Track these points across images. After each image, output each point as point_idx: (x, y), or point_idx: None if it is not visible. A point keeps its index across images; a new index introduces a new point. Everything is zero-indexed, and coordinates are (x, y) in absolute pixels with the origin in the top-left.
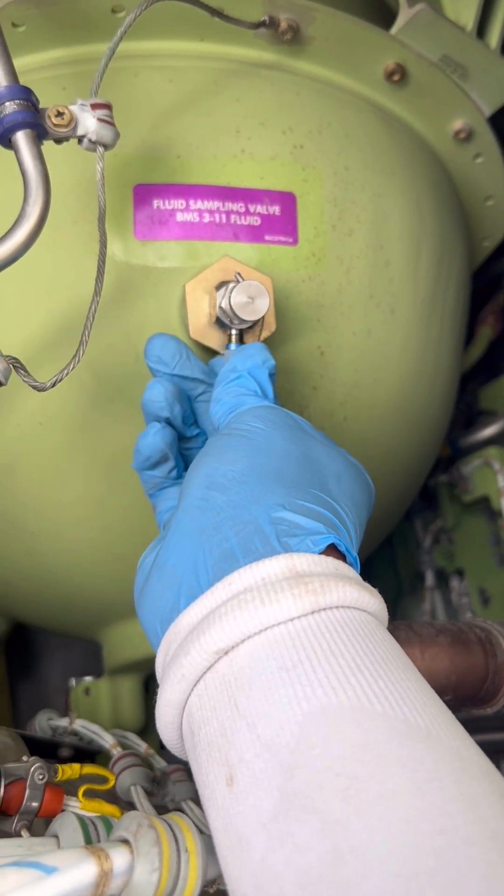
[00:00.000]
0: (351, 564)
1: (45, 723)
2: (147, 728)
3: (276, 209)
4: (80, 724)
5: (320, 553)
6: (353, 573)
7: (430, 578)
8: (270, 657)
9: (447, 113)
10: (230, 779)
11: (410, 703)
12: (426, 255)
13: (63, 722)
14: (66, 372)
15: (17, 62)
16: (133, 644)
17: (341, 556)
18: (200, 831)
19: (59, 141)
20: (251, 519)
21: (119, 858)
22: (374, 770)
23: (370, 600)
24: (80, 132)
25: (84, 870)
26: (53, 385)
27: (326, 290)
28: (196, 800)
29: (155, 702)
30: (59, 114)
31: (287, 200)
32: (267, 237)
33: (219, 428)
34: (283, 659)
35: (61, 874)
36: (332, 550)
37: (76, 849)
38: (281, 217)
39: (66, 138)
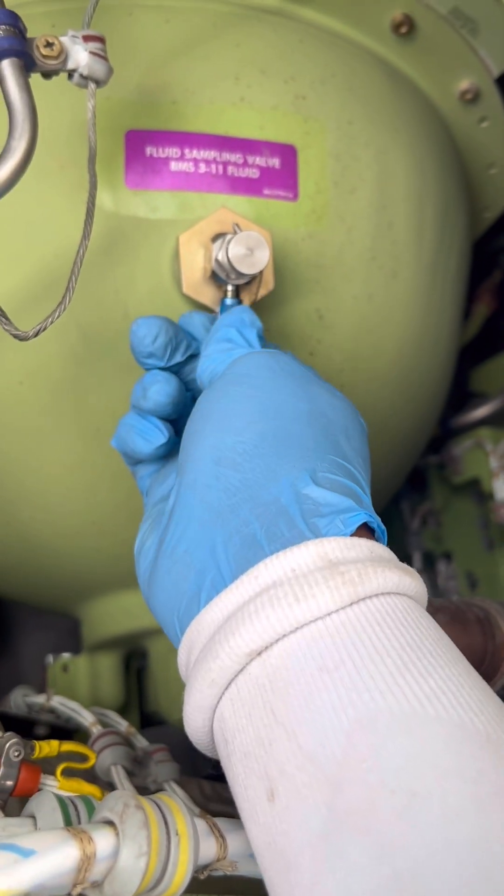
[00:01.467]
0: (379, 539)
1: (20, 699)
2: (127, 706)
3: (275, 162)
4: (57, 701)
5: (351, 534)
6: (389, 553)
7: (417, 560)
8: (309, 657)
9: (454, 71)
10: (271, 793)
11: (465, 702)
12: (430, 218)
13: (39, 699)
14: (50, 321)
15: None
16: (114, 619)
17: (370, 532)
18: (191, 813)
19: (47, 75)
20: (272, 499)
21: (103, 841)
22: (433, 785)
23: (411, 583)
24: (70, 66)
25: (64, 853)
26: (36, 334)
27: (327, 250)
28: (178, 781)
29: (141, 678)
30: (49, 44)
31: (287, 153)
32: (266, 191)
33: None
34: (324, 659)
35: (39, 857)
36: (362, 527)
37: (56, 830)
38: (281, 170)
39: (56, 72)
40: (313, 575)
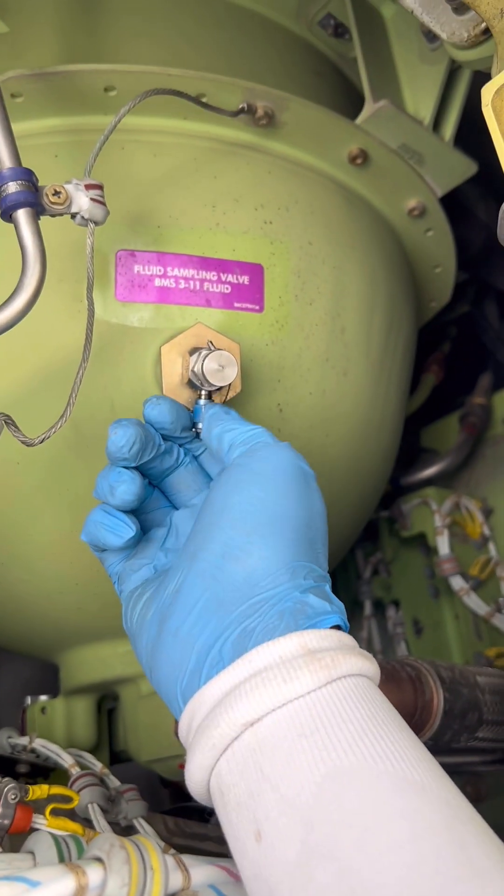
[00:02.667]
0: (345, 631)
1: (4, 740)
2: (98, 746)
3: (245, 279)
4: (39, 744)
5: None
6: (353, 641)
7: (368, 608)
8: (291, 726)
9: (403, 192)
10: (258, 834)
11: (407, 760)
12: (378, 321)
13: (22, 741)
14: (53, 430)
15: (15, 127)
16: (89, 667)
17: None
18: (162, 851)
19: (54, 216)
20: (269, 598)
21: (94, 875)
22: (381, 821)
23: (370, 667)
24: (73, 210)
25: (64, 884)
26: (41, 441)
27: (287, 354)
28: (146, 817)
29: (111, 718)
30: (56, 192)
31: (255, 271)
32: (236, 304)
33: (229, 457)
34: (302, 727)
35: (44, 887)
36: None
37: (56, 865)
38: (249, 286)
39: (61, 214)
40: (296, 661)
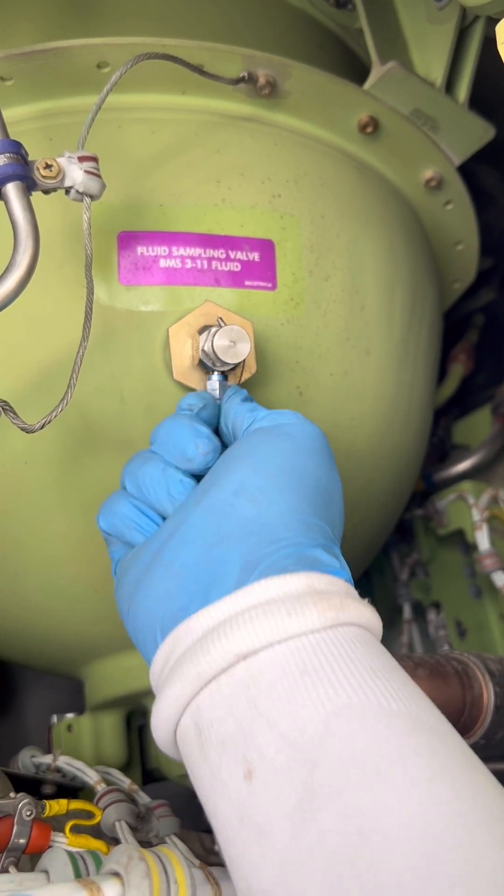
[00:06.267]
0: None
1: (27, 760)
2: (130, 763)
3: (255, 256)
4: (63, 761)
5: None
6: (359, 597)
7: (407, 611)
8: (293, 663)
9: (418, 163)
10: (249, 774)
11: (419, 705)
12: (400, 298)
13: (46, 759)
14: (54, 414)
15: (6, 113)
16: (115, 680)
17: None
18: (189, 863)
19: (47, 192)
20: (279, 539)
21: (110, 891)
22: (396, 760)
23: (377, 623)
24: (67, 183)
25: None
26: (42, 427)
27: (304, 334)
28: (179, 834)
29: (142, 736)
30: (48, 166)
31: (266, 247)
32: (247, 282)
33: (244, 426)
34: (305, 665)
35: None
36: None
37: (68, 882)
38: (260, 263)
39: (54, 189)
40: (304, 598)
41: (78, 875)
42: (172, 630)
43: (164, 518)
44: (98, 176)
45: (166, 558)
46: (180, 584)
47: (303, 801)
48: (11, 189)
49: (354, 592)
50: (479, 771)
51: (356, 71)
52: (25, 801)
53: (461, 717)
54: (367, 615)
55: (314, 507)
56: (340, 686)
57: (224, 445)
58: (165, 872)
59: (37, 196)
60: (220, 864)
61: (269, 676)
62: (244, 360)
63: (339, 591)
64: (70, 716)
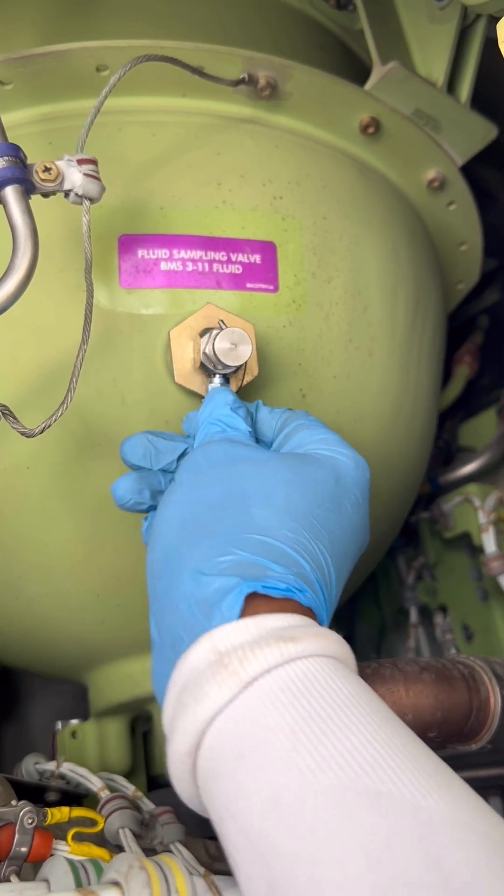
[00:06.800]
0: (290, 589)
1: (31, 767)
2: (134, 770)
3: (256, 258)
4: (67, 768)
5: (240, 612)
6: (284, 619)
7: (413, 615)
8: (225, 747)
9: (420, 163)
10: (237, 865)
11: (356, 761)
12: (403, 299)
13: (50, 766)
14: (54, 418)
15: (6, 118)
16: (118, 685)
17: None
18: (190, 873)
19: (46, 195)
20: (175, 600)
21: None
22: (332, 851)
23: (294, 648)
24: (66, 186)
25: None
26: (42, 431)
27: (307, 336)
28: (184, 842)
29: (147, 742)
30: (47, 169)
31: (268, 249)
32: (248, 285)
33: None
34: (234, 747)
35: None
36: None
37: (68, 892)
38: (262, 265)
39: (54, 192)
40: (204, 673)
41: (79, 884)
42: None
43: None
44: (97, 179)
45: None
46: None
47: None
48: (10, 192)
49: (272, 620)
50: (435, 831)
51: (357, 73)
52: (27, 808)
53: (468, 722)
54: (276, 654)
55: (207, 524)
56: (265, 768)
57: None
58: (166, 881)
59: (37, 200)
60: (226, 871)
61: (216, 766)
62: (246, 363)
63: (243, 640)
64: (74, 722)
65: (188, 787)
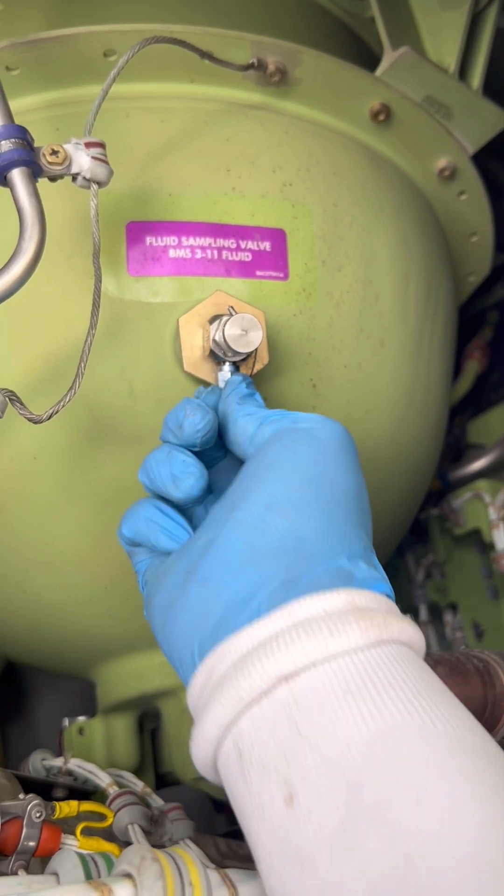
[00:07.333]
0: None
1: (38, 763)
2: (143, 767)
3: (266, 245)
4: (75, 764)
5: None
6: (401, 613)
7: (423, 613)
8: (335, 683)
9: (432, 151)
10: (290, 798)
11: (465, 726)
12: (414, 289)
13: (57, 762)
14: (61, 404)
15: (13, 104)
16: (126, 681)
17: None
18: (204, 865)
19: (53, 178)
20: (316, 554)
21: (122, 892)
22: (442, 783)
23: (420, 640)
24: (74, 170)
25: None
26: (49, 417)
27: (317, 325)
28: (194, 838)
29: (155, 739)
30: (54, 152)
31: (277, 236)
32: (258, 272)
33: (255, 441)
34: (349, 684)
35: None
36: None
37: (79, 884)
38: (272, 253)
39: (61, 176)
40: (345, 616)
41: (89, 877)
42: (210, 651)
43: (184, 514)
44: (105, 162)
45: (201, 575)
46: (217, 602)
47: (345, 825)
48: (17, 175)
49: (396, 609)
50: None
51: (367, 61)
52: (35, 802)
53: (483, 716)
54: (409, 632)
55: (350, 513)
56: (384, 706)
57: (223, 446)
58: (180, 873)
59: (45, 185)
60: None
61: (312, 698)
62: (256, 350)
63: (380, 608)
64: (82, 719)
65: (239, 705)
